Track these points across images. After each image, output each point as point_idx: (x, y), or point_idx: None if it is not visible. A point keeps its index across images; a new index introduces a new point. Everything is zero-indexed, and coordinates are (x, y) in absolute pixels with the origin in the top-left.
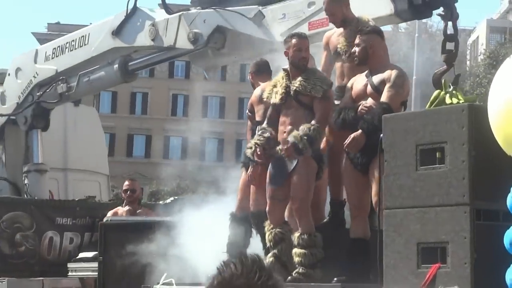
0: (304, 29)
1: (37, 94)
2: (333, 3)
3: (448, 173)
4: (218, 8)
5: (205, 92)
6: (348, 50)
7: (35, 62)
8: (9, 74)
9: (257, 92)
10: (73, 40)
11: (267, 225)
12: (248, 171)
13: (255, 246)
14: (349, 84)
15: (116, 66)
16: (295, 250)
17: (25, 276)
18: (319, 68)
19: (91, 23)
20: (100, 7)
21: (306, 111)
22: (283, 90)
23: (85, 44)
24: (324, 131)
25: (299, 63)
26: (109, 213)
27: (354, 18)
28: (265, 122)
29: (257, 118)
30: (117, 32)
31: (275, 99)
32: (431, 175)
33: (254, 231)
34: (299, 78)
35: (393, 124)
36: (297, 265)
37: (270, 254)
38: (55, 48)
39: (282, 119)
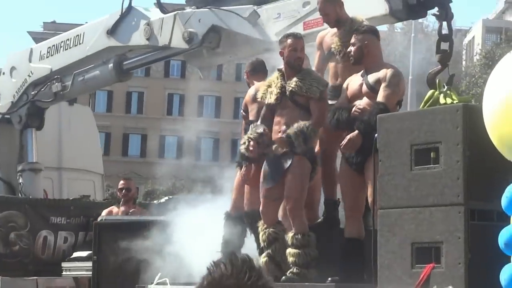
0: (299, 28)
1: (32, 93)
2: (327, 3)
3: (443, 173)
4: (213, 7)
5: (200, 91)
6: (342, 50)
7: (30, 61)
8: (3, 73)
9: (251, 91)
10: (68, 39)
11: (261, 225)
12: (241, 171)
13: (250, 246)
14: (344, 85)
15: (111, 65)
16: (289, 250)
17: (19, 275)
18: (313, 67)
19: (86, 22)
20: (96, 7)
21: (302, 111)
22: (278, 90)
23: (80, 43)
24: (319, 131)
25: (295, 63)
26: (104, 212)
27: (348, 18)
28: (259, 121)
29: (251, 118)
30: (112, 31)
31: (270, 99)
32: (426, 175)
33: (248, 231)
34: (295, 79)
35: (388, 124)
36: (291, 265)
37: (264, 254)
38: (50, 47)
39: (277, 119)
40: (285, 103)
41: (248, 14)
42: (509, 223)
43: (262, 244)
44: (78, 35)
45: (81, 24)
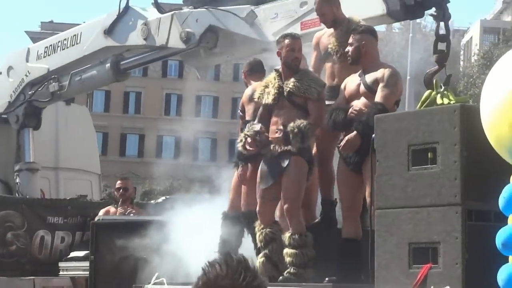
0: (296, 28)
1: (29, 93)
2: (324, 4)
3: (440, 173)
4: (211, 7)
5: (198, 91)
6: (339, 51)
7: (27, 60)
8: (0, 73)
9: (248, 91)
10: (65, 39)
11: (258, 225)
12: (238, 171)
13: (247, 246)
14: (342, 85)
15: (108, 65)
16: (286, 250)
17: (16, 275)
18: (310, 68)
19: (84, 22)
20: (94, 7)
21: (299, 111)
22: (275, 91)
23: (77, 43)
24: (316, 131)
25: (292, 63)
26: (101, 212)
27: (345, 19)
28: (256, 121)
29: (247, 118)
30: (109, 31)
31: (268, 99)
32: (423, 175)
33: (245, 231)
34: (292, 79)
35: (385, 124)
36: (288, 265)
37: (261, 254)
38: (47, 47)
39: (274, 119)
40: (282, 103)
41: (246, 14)
42: (506, 224)
43: (259, 244)
44: (75, 35)
45: (79, 24)
